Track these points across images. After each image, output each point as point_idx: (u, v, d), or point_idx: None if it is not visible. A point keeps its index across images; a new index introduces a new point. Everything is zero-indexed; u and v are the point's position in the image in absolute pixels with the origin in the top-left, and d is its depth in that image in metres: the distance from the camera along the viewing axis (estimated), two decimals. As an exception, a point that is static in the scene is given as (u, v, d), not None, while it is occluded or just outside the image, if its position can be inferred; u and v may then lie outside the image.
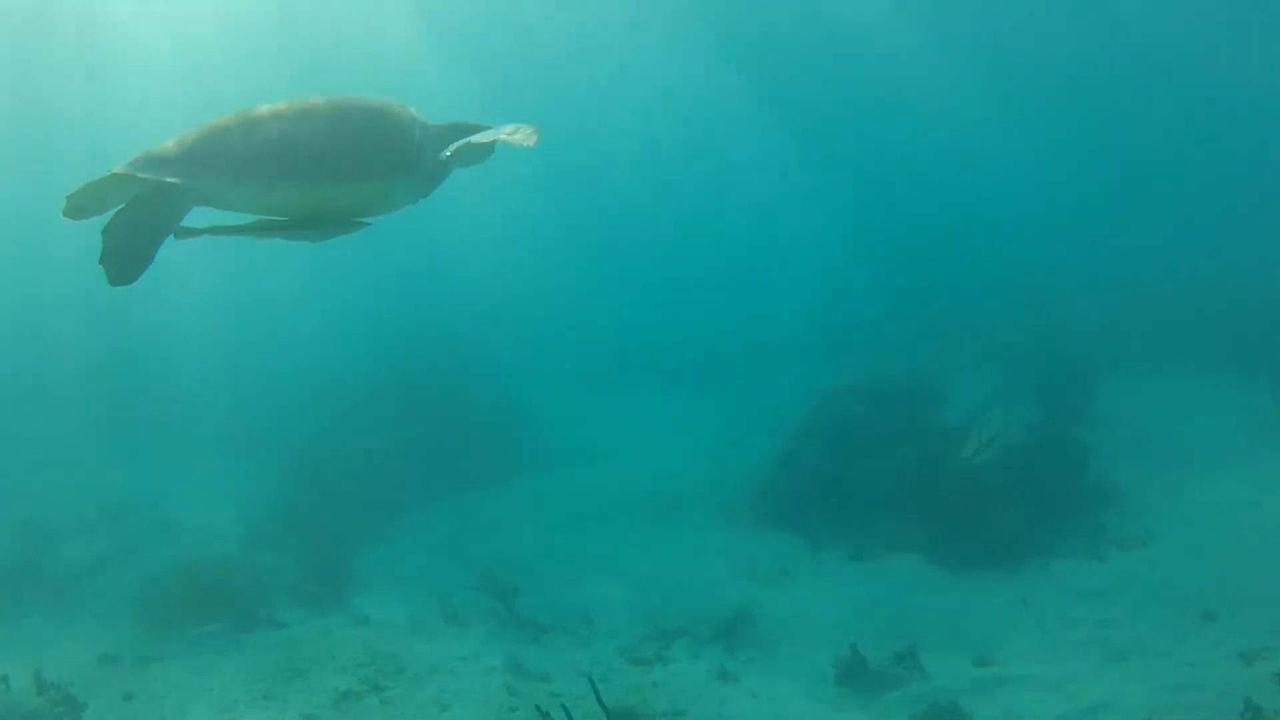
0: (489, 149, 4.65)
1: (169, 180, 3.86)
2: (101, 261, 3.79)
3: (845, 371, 16.89)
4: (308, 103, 4.25)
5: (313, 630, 11.03)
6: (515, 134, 4.41)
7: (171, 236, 4.01)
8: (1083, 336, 17.55)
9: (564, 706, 7.09)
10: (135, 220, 3.89)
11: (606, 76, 34.80)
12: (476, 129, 4.62)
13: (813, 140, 37.90)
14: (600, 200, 38.23)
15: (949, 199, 33.72)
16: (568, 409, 18.73)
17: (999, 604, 10.53)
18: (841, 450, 13.13)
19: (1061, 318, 18.91)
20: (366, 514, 14.21)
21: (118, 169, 3.87)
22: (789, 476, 13.22)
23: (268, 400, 18.16)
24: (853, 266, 27.63)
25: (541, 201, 34.08)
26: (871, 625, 10.23)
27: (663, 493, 14.89)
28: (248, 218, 4.21)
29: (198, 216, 4.12)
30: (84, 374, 19.66)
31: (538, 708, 7.18)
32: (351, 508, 14.21)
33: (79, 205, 3.99)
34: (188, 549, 13.24)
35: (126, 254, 3.84)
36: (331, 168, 4.05)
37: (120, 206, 3.93)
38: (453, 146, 4.44)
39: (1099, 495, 12.71)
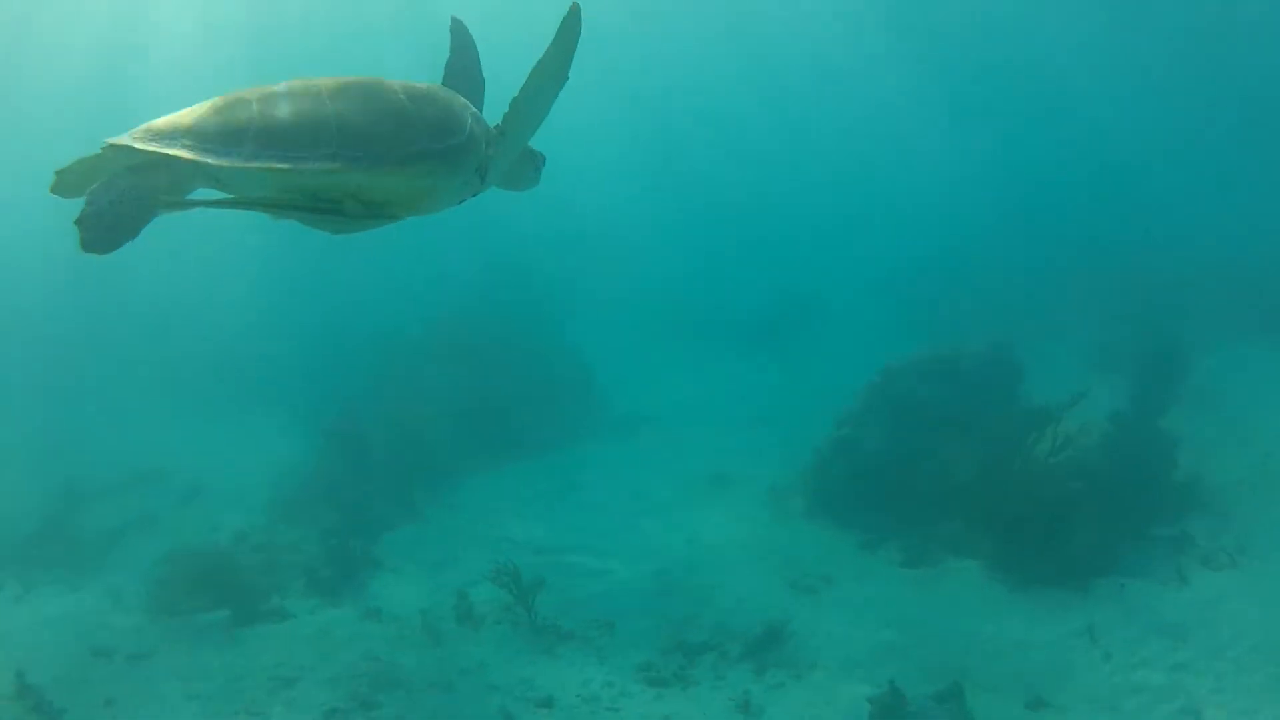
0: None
1: (176, 154, 3.44)
2: (78, 222, 3.30)
3: (923, 340, 15.66)
4: (340, 80, 3.81)
5: (317, 625, 10.34)
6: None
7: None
8: (1183, 309, 16.07)
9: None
10: (127, 189, 3.42)
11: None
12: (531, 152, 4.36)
13: (934, 101, 36.32)
14: (680, 156, 37.04)
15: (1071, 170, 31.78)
16: (627, 368, 17.93)
17: (1063, 633, 9.30)
18: (904, 436, 11.86)
19: (1165, 289, 17.44)
20: (401, 486, 13.61)
21: (116, 140, 3.46)
22: (844, 463, 12.05)
23: (313, 359, 17.63)
24: (955, 230, 26.06)
25: (615, 153, 33.00)
26: (918, 652, 9.14)
27: (711, 471, 13.98)
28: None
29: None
30: (134, 332, 19.58)
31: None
32: (386, 478, 13.61)
33: (70, 182, 3.63)
34: (207, 522, 12.91)
35: (109, 222, 3.34)
36: (369, 151, 3.62)
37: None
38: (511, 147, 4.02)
39: (1187, 498, 11.30)
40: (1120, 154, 32.92)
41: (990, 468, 10.78)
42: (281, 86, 3.73)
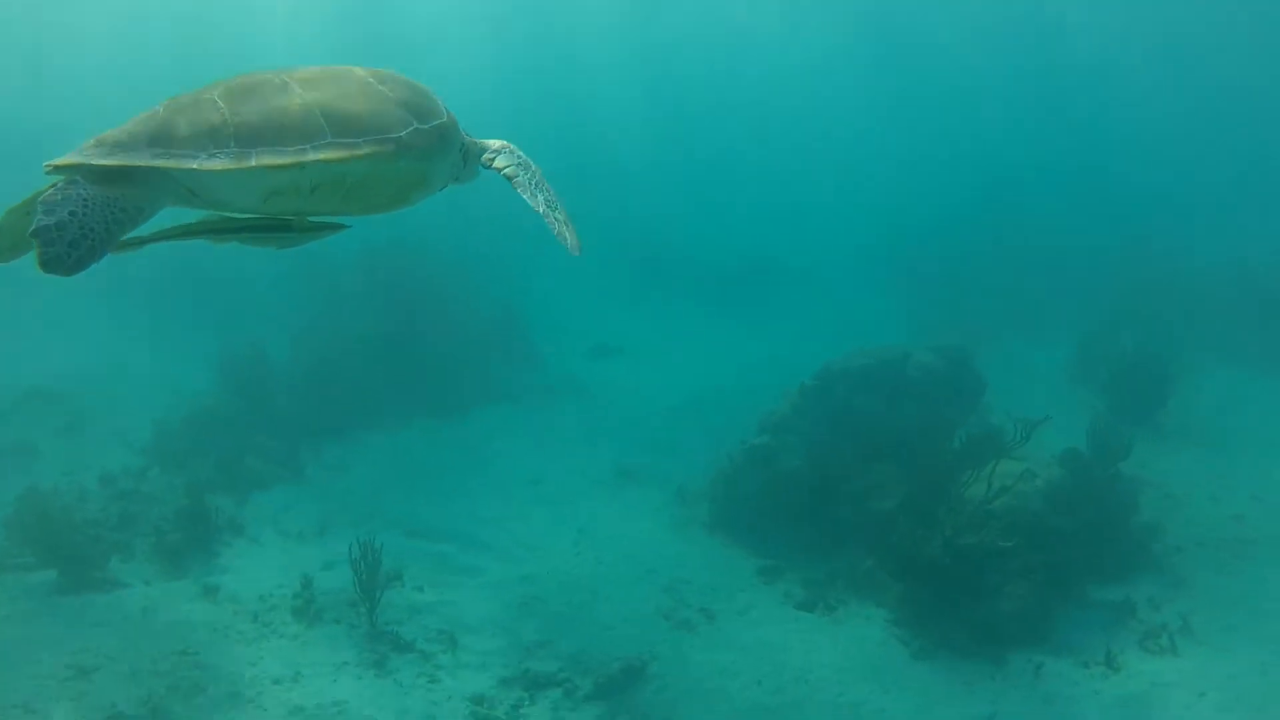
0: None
1: (158, 165, 2.96)
2: (35, 234, 2.77)
3: (895, 328, 14.26)
4: (296, 72, 3.40)
5: (145, 601, 9.27)
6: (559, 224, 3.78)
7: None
8: (1176, 320, 14.52)
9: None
10: (90, 199, 2.87)
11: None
12: (491, 155, 4.01)
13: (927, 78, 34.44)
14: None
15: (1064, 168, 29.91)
16: (577, 327, 16.60)
17: (963, 717, 8.12)
18: (828, 452, 10.51)
19: (1159, 295, 15.86)
20: (289, 439, 12.51)
21: (64, 160, 2.94)
22: (757, 475, 10.69)
23: (234, 285, 16.42)
24: (945, 213, 24.32)
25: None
26: (787, 720, 8.06)
27: (622, 462, 12.71)
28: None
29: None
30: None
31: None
32: (275, 428, 12.54)
33: (6, 240, 3.11)
34: (80, 459, 11.95)
35: (72, 236, 2.80)
36: (368, 135, 3.27)
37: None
38: (499, 165, 3.88)
39: (1139, 556, 9.95)
40: (1130, 149, 31.43)
41: (914, 504, 9.44)
42: (234, 83, 3.26)
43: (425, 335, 14.04)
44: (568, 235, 3.74)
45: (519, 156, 3.94)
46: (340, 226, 3.68)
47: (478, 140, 3.98)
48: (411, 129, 3.41)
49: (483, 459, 12.51)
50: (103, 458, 11.97)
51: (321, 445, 12.30)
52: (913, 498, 9.46)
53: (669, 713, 8.12)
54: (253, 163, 3.05)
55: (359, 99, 3.35)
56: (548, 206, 3.80)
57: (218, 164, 3.00)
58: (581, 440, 12.99)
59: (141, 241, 3.21)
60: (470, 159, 3.90)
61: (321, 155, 3.15)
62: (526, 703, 8.25)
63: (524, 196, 3.83)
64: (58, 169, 2.94)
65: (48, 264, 2.80)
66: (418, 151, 3.44)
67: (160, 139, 3.01)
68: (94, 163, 2.93)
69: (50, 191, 2.88)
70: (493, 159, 3.92)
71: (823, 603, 9.47)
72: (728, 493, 10.81)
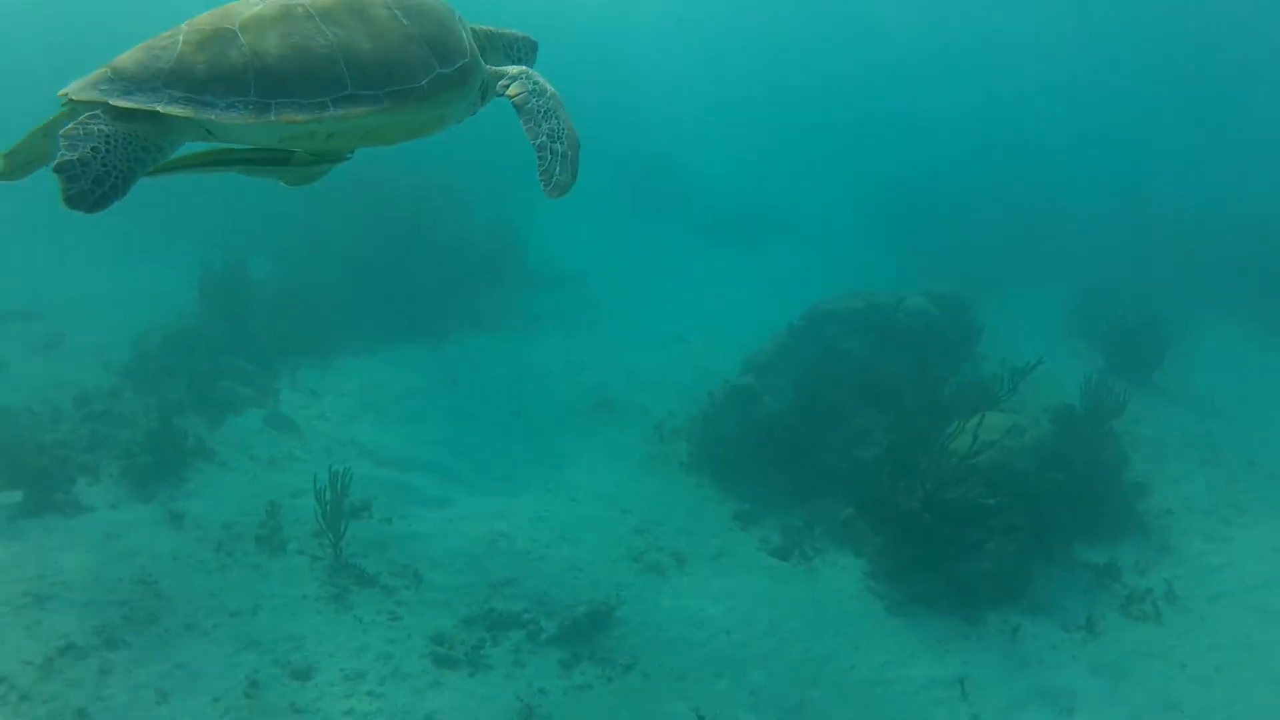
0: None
1: (174, 112, 2.89)
2: (58, 169, 2.72)
3: (894, 268, 13.78)
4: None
5: (108, 526, 9.00)
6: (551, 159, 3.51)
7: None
8: (1185, 273, 14.03)
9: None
10: (113, 135, 2.83)
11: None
12: (514, 39, 4.02)
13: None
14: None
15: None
16: (574, 254, 16.16)
17: (933, 678, 7.91)
18: (813, 395, 10.16)
19: (1163, 252, 15.33)
20: (265, 360, 12.18)
21: (79, 94, 2.86)
22: (737, 416, 10.43)
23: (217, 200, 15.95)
24: (952, 155, 23.53)
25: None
26: (755, 674, 7.80)
27: (602, 395, 12.44)
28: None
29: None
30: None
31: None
32: (252, 349, 12.21)
33: (22, 162, 3.10)
34: (56, 378, 11.66)
35: (96, 172, 2.77)
36: (389, 86, 3.19)
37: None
38: (514, 91, 3.64)
39: (1128, 519, 9.66)
40: (1137, 102, 30.44)
41: (898, 453, 9.12)
42: (257, 9, 3.14)
43: (412, 257, 13.66)
44: (555, 173, 3.53)
45: (534, 82, 3.72)
46: (344, 158, 3.64)
47: (495, 68, 3.80)
48: (433, 75, 3.33)
49: (462, 388, 12.22)
50: (80, 377, 11.70)
51: (299, 367, 12.00)
52: (896, 447, 9.15)
53: (632, 660, 7.94)
54: (271, 118, 3.00)
55: (382, 38, 3.26)
56: (548, 138, 3.60)
57: (235, 116, 2.95)
58: (565, 371, 12.73)
59: (149, 173, 3.05)
60: (488, 91, 3.75)
61: (340, 111, 3.09)
62: (488, 643, 8.07)
63: (525, 125, 3.63)
64: (77, 102, 2.85)
65: (72, 200, 2.76)
66: (439, 99, 3.37)
67: (178, 78, 2.92)
68: (112, 103, 2.84)
69: (72, 125, 2.82)
70: (508, 85, 3.71)
71: (799, 551, 9.25)
72: (707, 433, 10.55)
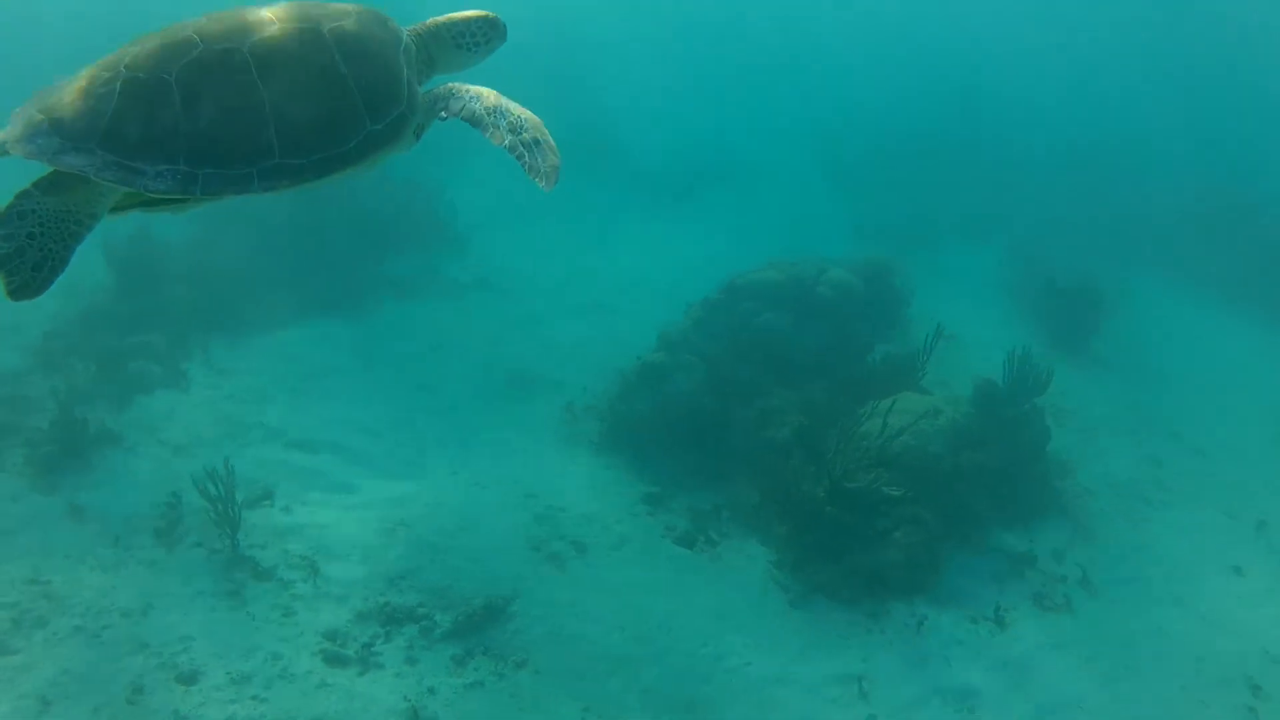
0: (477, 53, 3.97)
1: (106, 181, 2.99)
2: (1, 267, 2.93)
3: (824, 235, 13.40)
4: (268, 36, 3.27)
5: (3, 524, 8.84)
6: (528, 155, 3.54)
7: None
8: (1121, 238, 13.73)
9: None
10: (46, 215, 3.00)
11: None
12: (464, 27, 3.92)
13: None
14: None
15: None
16: (497, 211, 15.67)
17: (831, 674, 7.85)
18: (725, 376, 9.91)
19: (1107, 212, 14.97)
20: (176, 337, 11.78)
21: (14, 146, 2.95)
22: (649, 399, 10.19)
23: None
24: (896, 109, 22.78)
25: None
26: (649, 673, 7.72)
27: (517, 369, 12.06)
28: None
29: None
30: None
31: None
32: (165, 324, 11.82)
33: None
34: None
35: (34, 259, 2.98)
36: (313, 156, 3.23)
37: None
38: (453, 110, 3.65)
39: (1046, 500, 9.51)
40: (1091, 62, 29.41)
41: (807, 437, 8.95)
42: (198, 45, 3.18)
43: (330, 222, 13.25)
44: (539, 163, 3.56)
45: (468, 93, 3.72)
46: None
47: (432, 93, 3.79)
48: (363, 135, 3.35)
49: (376, 362, 11.95)
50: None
51: (210, 343, 11.68)
52: (805, 431, 8.98)
53: (524, 657, 7.86)
54: (197, 192, 3.09)
55: (316, 95, 3.27)
56: (512, 133, 3.60)
57: (163, 187, 3.04)
58: (483, 343, 12.40)
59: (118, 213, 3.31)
60: (426, 126, 3.76)
61: (266, 183, 3.17)
62: (381, 640, 7.98)
63: (486, 134, 3.65)
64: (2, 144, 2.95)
65: (15, 293, 2.95)
66: (368, 160, 3.42)
67: (112, 139, 2.97)
68: (46, 164, 2.95)
69: (5, 209, 2.97)
70: (443, 113, 3.72)
71: (704, 537, 9.13)
72: (618, 412, 10.34)
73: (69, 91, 3.09)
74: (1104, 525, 9.56)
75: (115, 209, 3.35)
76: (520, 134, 3.56)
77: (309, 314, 12.65)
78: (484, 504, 9.46)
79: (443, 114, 3.69)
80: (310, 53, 3.31)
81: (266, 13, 3.40)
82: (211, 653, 7.71)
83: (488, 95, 3.68)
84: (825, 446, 8.81)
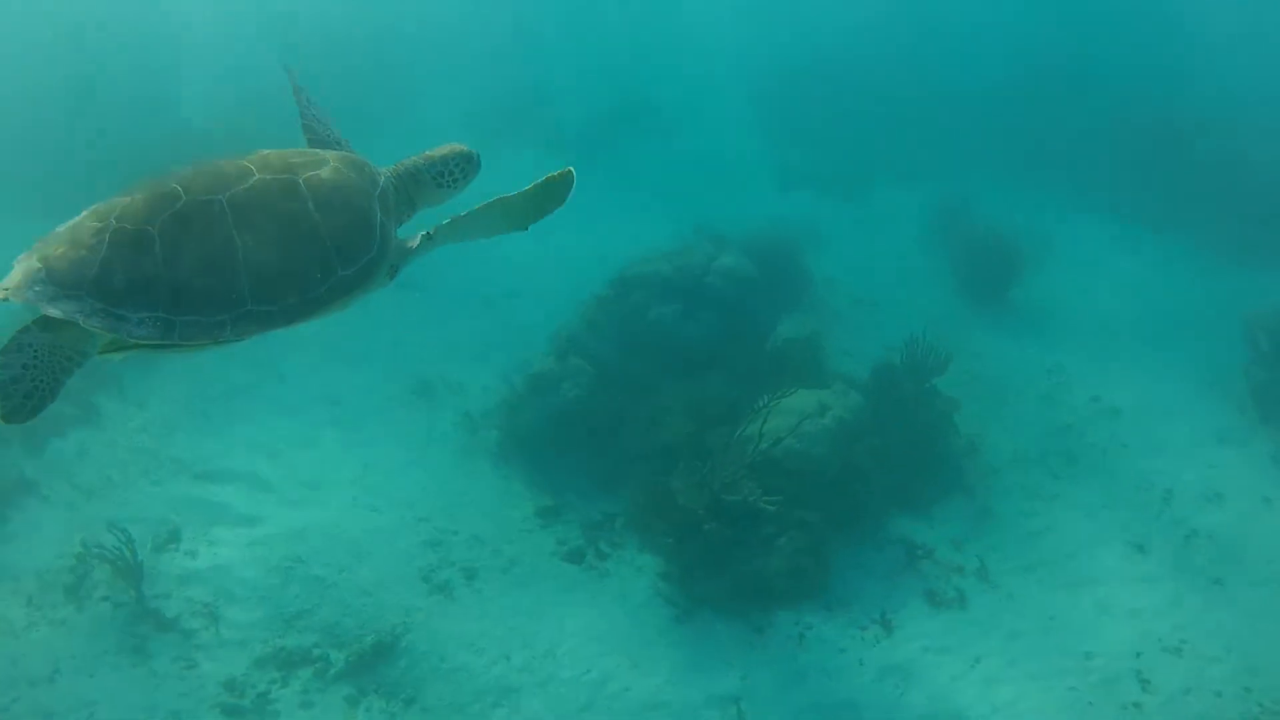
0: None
1: (92, 327, 3.34)
2: None
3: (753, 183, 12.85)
4: (245, 187, 3.56)
5: None
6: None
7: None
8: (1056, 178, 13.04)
9: None
10: (41, 349, 3.44)
11: None
12: (444, 165, 4.22)
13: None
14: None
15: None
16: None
17: (708, 697, 7.92)
18: (616, 377, 9.74)
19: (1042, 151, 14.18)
20: (91, 368, 11.67)
21: (16, 294, 3.29)
22: (540, 408, 10.13)
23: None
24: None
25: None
26: (531, 703, 7.91)
27: (422, 374, 11.90)
28: None
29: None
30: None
31: None
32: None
33: None
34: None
35: (26, 388, 3.41)
36: (286, 303, 3.52)
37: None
38: (437, 229, 3.95)
39: (950, 481, 9.33)
40: None
41: (692, 442, 8.85)
42: (181, 198, 3.47)
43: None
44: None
45: (439, 229, 3.96)
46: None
47: (403, 241, 4.02)
48: (332, 281, 3.59)
49: (283, 376, 11.83)
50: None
51: (123, 374, 11.75)
52: (689, 436, 8.88)
53: (414, 694, 8.10)
54: (175, 338, 3.37)
55: (288, 243, 3.51)
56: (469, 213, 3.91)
57: (144, 334, 3.33)
58: (387, 347, 12.28)
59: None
60: (401, 266, 3.99)
61: (237, 329, 3.44)
62: (278, 685, 8.22)
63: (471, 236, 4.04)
64: (5, 291, 3.28)
65: (8, 416, 3.37)
66: (337, 303, 3.67)
67: (100, 288, 3.28)
68: (42, 310, 3.27)
69: (8, 342, 3.38)
70: (419, 248, 3.99)
71: (594, 551, 9.22)
72: (511, 423, 10.31)
73: (64, 241, 3.38)
74: (1008, 506, 9.48)
75: (106, 349, 3.63)
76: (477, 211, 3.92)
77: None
78: (377, 532, 9.56)
79: (421, 250, 3.99)
80: (284, 202, 3.54)
81: (248, 163, 3.66)
82: (113, 717, 8.03)
83: (459, 220, 3.95)
84: (710, 448, 8.73)
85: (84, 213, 3.54)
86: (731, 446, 8.62)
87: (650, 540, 9.11)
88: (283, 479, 10.33)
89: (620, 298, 10.69)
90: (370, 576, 9.11)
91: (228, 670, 8.36)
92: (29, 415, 3.37)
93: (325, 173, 3.70)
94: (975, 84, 18.88)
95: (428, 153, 4.24)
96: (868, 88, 18.83)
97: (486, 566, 9.16)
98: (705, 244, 10.91)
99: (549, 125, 19.56)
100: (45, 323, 3.38)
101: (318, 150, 3.92)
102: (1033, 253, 12.65)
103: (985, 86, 18.90)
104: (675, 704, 7.90)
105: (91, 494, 10.39)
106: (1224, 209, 14.24)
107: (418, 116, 19.07)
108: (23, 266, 3.35)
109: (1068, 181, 15.53)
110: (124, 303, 3.29)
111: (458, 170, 4.26)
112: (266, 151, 3.78)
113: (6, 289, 3.28)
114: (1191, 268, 14.47)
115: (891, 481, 9.23)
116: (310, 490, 10.18)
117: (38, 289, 3.25)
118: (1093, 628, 8.34)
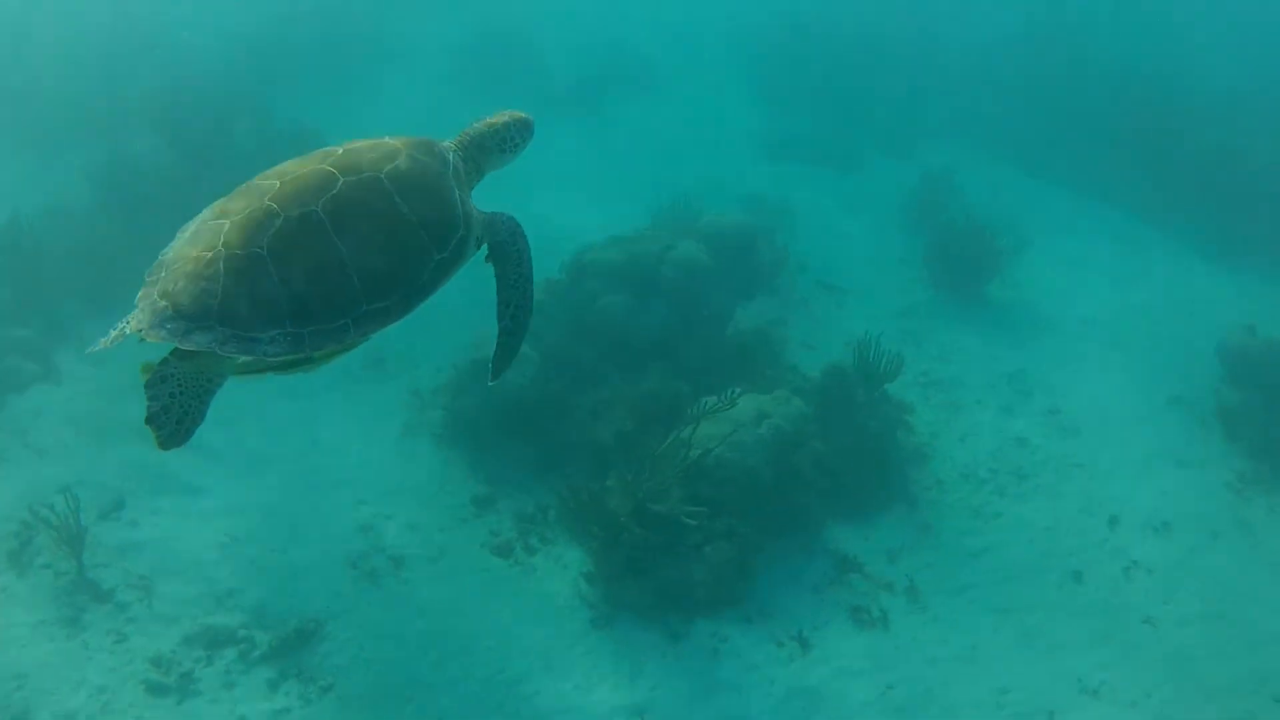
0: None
1: (229, 355, 3.52)
2: (149, 422, 3.61)
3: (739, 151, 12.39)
4: (335, 196, 3.69)
5: None
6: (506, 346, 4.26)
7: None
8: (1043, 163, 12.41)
9: None
10: (184, 378, 3.65)
11: None
12: (506, 131, 4.36)
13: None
14: None
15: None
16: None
17: (617, 706, 7.98)
18: (562, 366, 9.56)
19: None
20: (54, 321, 11.82)
21: (150, 334, 3.44)
22: (484, 391, 9.91)
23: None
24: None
25: None
26: (437, 705, 8.00)
27: (378, 345, 11.02)
28: None
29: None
30: None
31: None
32: (40, 311, 11.82)
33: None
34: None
35: (177, 415, 3.63)
36: (395, 295, 3.71)
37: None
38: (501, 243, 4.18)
39: (894, 491, 9.10)
40: None
41: (625, 440, 8.73)
42: (279, 215, 3.59)
43: (206, 184, 12.82)
44: (504, 367, 4.24)
45: (515, 244, 4.21)
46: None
47: (485, 217, 4.19)
48: (432, 265, 3.78)
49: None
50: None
51: (86, 330, 11.79)
52: (627, 435, 8.75)
53: (332, 681, 8.23)
54: (306, 348, 3.56)
55: (385, 240, 3.68)
56: (512, 321, 4.22)
57: (277, 352, 3.50)
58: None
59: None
60: (479, 244, 4.13)
61: (360, 330, 3.63)
62: (203, 664, 8.37)
63: (500, 289, 4.21)
64: (141, 332, 3.45)
65: (164, 443, 3.61)
66: (439, 285, 3.87)
67: (228, 316, 3.43)
68: (181, 346, 3.43)
69: (152, 375, 3.59)
70: (494, 237, 4.17)
71: (522, 544, 9.25)
72: (457, 403, 10.27)
73: (181, 274, 3.51)
74: (950, 522, 9.31)
75: (242, 370, 3.81)
76: (514, 333, 4.23)
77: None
78: (317, 511, 9.66)
79: (489, 242, 4.17)
80: (374, 201, 3.70)
81: (327, 167, 3.78)
82: (42, 690, 8.14)
83: (524, 257, 4.23)
84: (644, 451, 8.62)
85: (182, 238, 3.72)
86: (662, 453, 8.53)
87: (579, 537, 9.10)
88: (231, 449, 10.39)
89: (573, 283, 10.54)
90: (302, 559, 9.22)
91: (157, 646, 8.52)
92: (182, 440, 3.60)
93: (402, 163, 3.85)
94: (975, 62, 18.17)
95: (488, 120, 4.41)
96: (865, 58, 18.20)
97: (415, 556, 9.25)
98: (663, 230, 10.60)
99: (535, 84, 19.11)
100: (182, 353, 3.56)
101: (383, 139, 4.03)
102: (1013, 243, 12.20)
103: (986, 62, 18.21)
104: (580, 711, 7.98)
105: (43, 455, 10.51)
106: (1218, 202, 13.63)
107: (405, 71, 18.70)
108: (147, 305, 3.50)
109: (1061, 163, 14.92)
110: (252, 326, 3.44)
111: (518, 136, 4.41)
112: (334, 150, 3.93)
113: (142, 329, 3.44)
114: (1177, 262, 13.93)
115: (833, 489, 9.12)
116: (257, 464, 10.23)
117: (170, 326, 3.39)
118: (1014, 660, 8.24)
